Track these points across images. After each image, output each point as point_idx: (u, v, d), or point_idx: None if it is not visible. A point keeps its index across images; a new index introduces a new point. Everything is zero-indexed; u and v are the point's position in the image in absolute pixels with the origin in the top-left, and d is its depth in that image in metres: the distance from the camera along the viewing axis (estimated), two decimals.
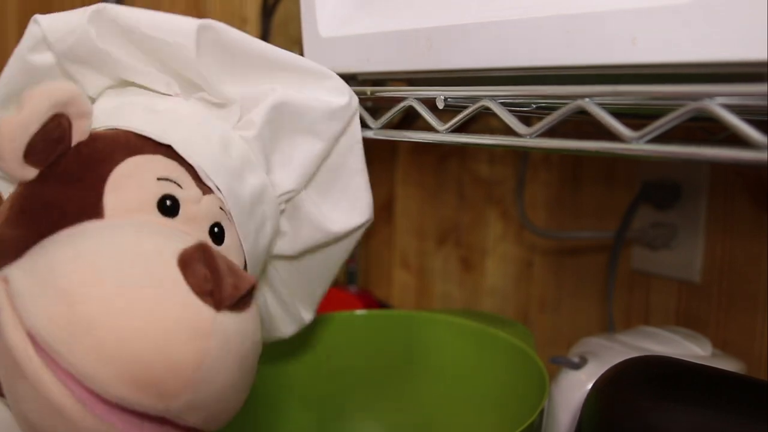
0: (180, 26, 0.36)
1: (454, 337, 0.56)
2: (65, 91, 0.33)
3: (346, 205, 0.43)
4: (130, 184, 0.33)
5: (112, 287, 0.28)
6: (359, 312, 0.59)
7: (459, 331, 0.56)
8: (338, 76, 0.40)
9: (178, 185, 0.34)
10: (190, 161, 0.35)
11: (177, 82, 0.38)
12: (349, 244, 0.45)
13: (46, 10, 0.39)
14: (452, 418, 0.55)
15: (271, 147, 0.40)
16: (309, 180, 0.42)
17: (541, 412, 0.43)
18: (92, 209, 0.32)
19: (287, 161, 0.40)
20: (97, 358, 0.27)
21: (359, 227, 0.43)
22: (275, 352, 0.55)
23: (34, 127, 0.32)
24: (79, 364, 0.27)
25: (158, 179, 0.34)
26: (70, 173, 0.33)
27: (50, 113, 0.32)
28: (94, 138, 0.35)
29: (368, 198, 0.43)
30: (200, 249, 0.30)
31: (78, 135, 0.34)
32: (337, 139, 0.41)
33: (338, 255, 0.45)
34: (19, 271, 0.30)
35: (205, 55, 0.37)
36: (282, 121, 0.39)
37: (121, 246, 0.30)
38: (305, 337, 0.57)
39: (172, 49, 0.36)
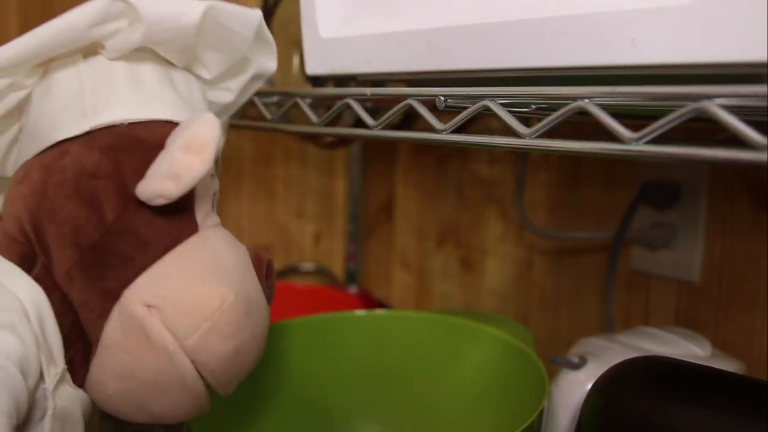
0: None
1: (454, 338, 0.56)
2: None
3: None
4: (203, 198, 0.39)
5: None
6: (359, 312, 0.59)
7: (459, 331, 0.56)
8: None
9: None
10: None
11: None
12: None
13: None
14: (452, 419, 0.55)
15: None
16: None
17: (541, 412, 0.43)
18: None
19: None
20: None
21: None
22: (275, 352, 0.55)
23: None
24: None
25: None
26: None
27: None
28: None
29: None
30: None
31: None
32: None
33: None
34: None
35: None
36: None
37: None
38: (306, 337, 0.57)
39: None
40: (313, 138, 0.76)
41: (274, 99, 0.54)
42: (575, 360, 0.50)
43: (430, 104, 0.40)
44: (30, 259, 0.37)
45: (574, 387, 0.49)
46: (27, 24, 1.10)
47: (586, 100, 0.32)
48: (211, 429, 0.47)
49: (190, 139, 0.34)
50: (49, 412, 0.34)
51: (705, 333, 0.53)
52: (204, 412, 0.38)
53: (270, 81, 0.69)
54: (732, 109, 0.27)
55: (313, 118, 0.48)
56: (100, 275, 0.35)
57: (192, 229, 0.37)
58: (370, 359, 0.58)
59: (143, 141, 0.37)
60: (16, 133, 0.41)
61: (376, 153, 0.90)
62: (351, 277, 0.91)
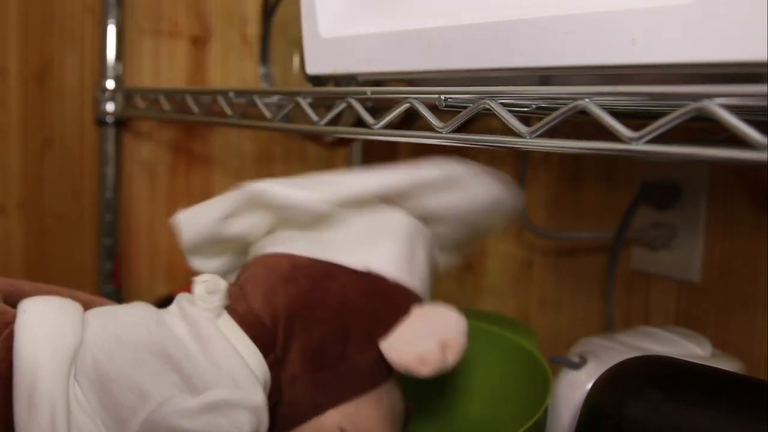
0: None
1: None
2: None
3: None
4: None
5: None
6: None
7: None
8: None
9: None
10: None
11: None
12: None
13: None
14: (456, 417, 0.55)
15: None
16: None
17: (546, 409, 0.43)
18: None
19: None
20: None
21: None
22: None
23: None
24: None
25: None
26: None
27: None
28: None
29: None
30: None
31: None
32: None
33: None
34: None
35: None
36: None
37: None
38: None
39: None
40: (314, 137, 0.76)
41: (275, 98, 0.54)
42: (575, 360, 0.50)
43: (431, 104, 0.40)
44: (268, 347, 0.39)
45: (575, 387, 0.49)
46: (27, 24, 1.10)
47: (587, 100, 0.32)
48: None
49: (449, 340, 0.39)
50: None
51: (705, 333, 0.53)
52: None
53: (270, 80, 0.69)
54: (732, 109, 0.27)
55: (314, 117, 0.48)
56: (318, 391, 0.40)
57: (391, 374, 0.41)
58: None
59: (396, 299, 0.41)
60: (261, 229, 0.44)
61: (377, 153, 0.90)
62: None
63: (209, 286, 0.39)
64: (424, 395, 0.57)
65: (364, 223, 0.42)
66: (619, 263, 0.66)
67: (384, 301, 0.41)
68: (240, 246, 0.45)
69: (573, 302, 0.72)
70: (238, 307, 0.40)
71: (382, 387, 0.41)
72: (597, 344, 0.51)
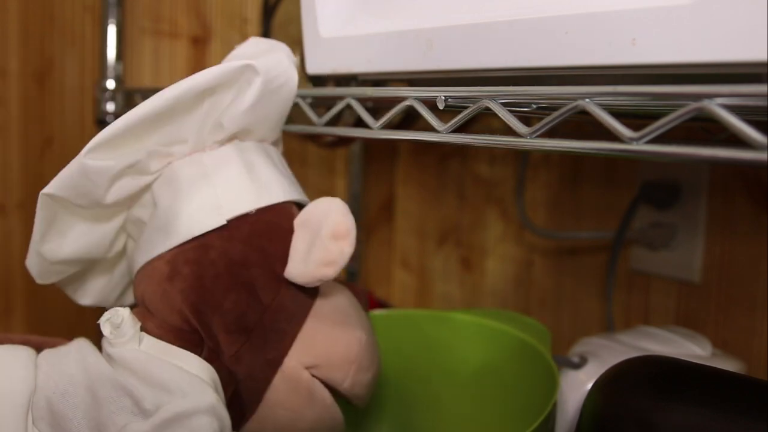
0: None
1: (458, 335, 0.56)
2: None
3: None
4: None
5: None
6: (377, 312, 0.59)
7: (462, 328, 0.56)
8: None
9: None
10: None
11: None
12: None
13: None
14: (463, 415, 0.55)
15: None
16: None
17: (554, 404, 0.43)
18: None
19: None
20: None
21: None
22: None
23: None
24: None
25: None
26: None
27: None
28: None
29: None
30: None
31: None
32: None
33: None
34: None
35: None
36: None
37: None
38: None
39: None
40: (314, 138, 0.76)
41: None
42: (575, 359, 0.50)
43: (431, 104, 0.40)
44: (198, 345, 0.40)
45: (575, 386, 0.49)
46: (27, 24, 1.10)
47: (587, 100, 0.32)
48: None
49: (336, 228, 0.38)
50: None
51: (705, 333, 0.53)
52: None
53: None
54: (732, 109, 0.27)
55: (314, 117, 0.48)
56: (262, 350, 0.40)
57: (316, 291, 0.42)
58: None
59: (276, 226, 0.41)
60: (123, 222, 0.44)
61: (377, 153, 0.90)
62: (351, 276, 0.91)
63: (113, 321, 0.38)
64: (430, 393, 0.57)
65: (188, 189, 0.41)
66: (619, 263, 0.66)
67: (263, 236, 0.41)
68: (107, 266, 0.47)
69: (573, 302, 0.72)
70: (150, 325, 0.40)
71: (317, 305, 0.41)
72: (597, 344, 0.52)
